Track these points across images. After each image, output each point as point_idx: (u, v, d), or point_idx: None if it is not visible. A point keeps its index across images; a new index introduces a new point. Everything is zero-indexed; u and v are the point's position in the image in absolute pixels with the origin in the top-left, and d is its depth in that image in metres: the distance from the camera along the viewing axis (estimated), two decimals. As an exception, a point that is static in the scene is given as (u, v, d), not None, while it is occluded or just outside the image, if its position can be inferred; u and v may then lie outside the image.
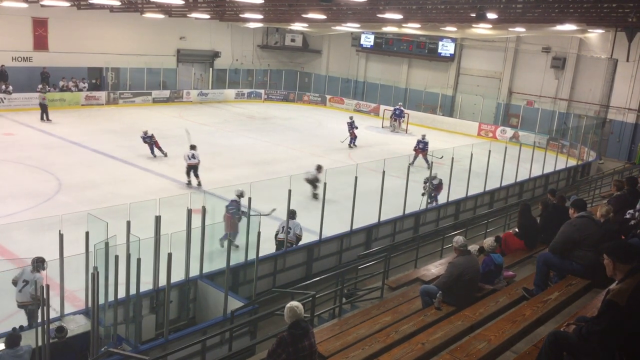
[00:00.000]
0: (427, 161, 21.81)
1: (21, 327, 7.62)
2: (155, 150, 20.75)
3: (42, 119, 25.40)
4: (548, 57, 30.24)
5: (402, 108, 30.98)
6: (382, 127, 31.43)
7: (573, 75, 29.61)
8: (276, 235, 12.18)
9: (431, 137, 29.35)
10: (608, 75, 28.31)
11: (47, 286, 6.88)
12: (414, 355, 5.85)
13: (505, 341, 5.81)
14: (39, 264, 8.62)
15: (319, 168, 16.80)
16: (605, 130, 28.46)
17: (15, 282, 8.65)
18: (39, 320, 7.08)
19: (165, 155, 20.76)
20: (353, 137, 25.73)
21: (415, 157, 22.29)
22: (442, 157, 16.89)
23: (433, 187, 15.95)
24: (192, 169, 17.39)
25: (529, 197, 18.98)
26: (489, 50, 32.61)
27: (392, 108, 32.14)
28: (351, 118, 26.23)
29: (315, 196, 16.39)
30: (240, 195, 12.50)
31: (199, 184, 17.39)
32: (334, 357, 6.27)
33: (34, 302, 8.24)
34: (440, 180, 16.30)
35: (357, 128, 25.76)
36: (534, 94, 31.08)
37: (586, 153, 24.94)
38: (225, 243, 11.24)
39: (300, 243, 12.33)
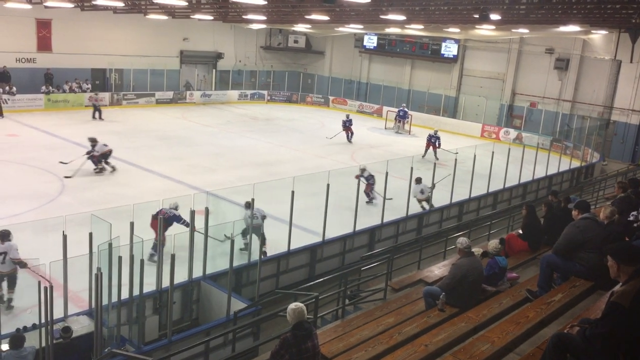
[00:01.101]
0: (436, 156, 22.76)
1: (25, 328, 7.63)
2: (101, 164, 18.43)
3: (94, 117, 26.89)
4: (551, 59, 30.19)
5: (406, 109, 30.97)
6: (385, 128, 31.40)
7: (576, 77, 29.55)
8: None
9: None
10: (612, 76, 28.25)
11: (51, 287, 6.90)
12: (417, 357, 5.85)
13: (508, 343, 5.81)
14: (4, 236, 9.66)
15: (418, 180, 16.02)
16: (609, 131, 28.40)
17: None
18: (43, 321, 7.09)
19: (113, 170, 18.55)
20: (350, 133, 26.33)
21: (426, 150, 23.48)
22: (457, 152, 16.96)
23: (371, 180, 16.19)
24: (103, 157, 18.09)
25: (533, 199, 18.95)
26: (492, 51, 32.57)
27: (395, 109, 32.15)
28: (347, 116, 26.93)
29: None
30: (175, 208, 12.05)
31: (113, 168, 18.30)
32: (337, 358, 6.27)
33: (19, 265, 9.52)
34: (372, 176, 16.40)
35: (351, 125, 26.46)
36: (537, 95, 31.04)
37: (590, 154, 24.90)
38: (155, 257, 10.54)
39: (304, 244, 12.34)
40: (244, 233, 12.03)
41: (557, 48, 29.84)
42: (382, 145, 26.67)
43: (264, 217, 12.31)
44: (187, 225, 10.99)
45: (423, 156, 23.18)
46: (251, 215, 11.47)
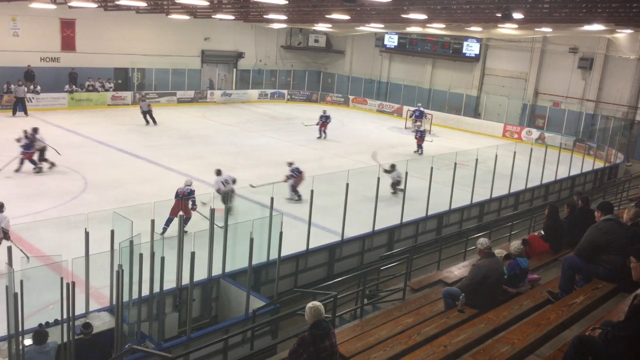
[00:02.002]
0: (421, 147, 24.61)
1: (47, 324, 7.74)
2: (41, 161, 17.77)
3: (147, 122, 26.23)
4: (575, 58, 29.78)
5: (422, 109, 30.78)
6: (405, 127, 31.26)
7: (601, 76, 29.11)
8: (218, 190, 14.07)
9: (455, 138, 29.31)
10: (637, 75, 27.80)
11: (73, 283, 6.99)
12: (436, 358, 5.82)
13: (529, 345, 5.75)
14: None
15: (392, 167, 17.09)
16: (634, 132, 27.94)
17: None
18: (65, 316, 7.19)
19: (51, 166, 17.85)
20: (323, 128, 26.24)
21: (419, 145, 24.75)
22: (431, 140, 17.34)
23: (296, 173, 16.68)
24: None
25: (555, 200, 18.73)
26: (515, 50, 32.23)
27: (413, 109, 32.18)
28: (324, 111, 26.80)
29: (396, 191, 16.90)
30: (190, 184, 13.50)
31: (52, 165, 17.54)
32: (355, 357, 6.26)
33: (5, 236, 10.75)
34: (298, 168, 16.66)
35: (328, 122, 26.41)
36: (560, 94, 30.65)
37: (613, 155, 24.53)
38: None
39: (323, 244, 12.35)
40: (223, 200, 13.58)
41: (581, 47, 29.43)
42: (402, 145, 26.55)
43: (234, 181, 14.30)
44: (194, 207, 12.92)
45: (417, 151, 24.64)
46: (224, 181, 13.87)
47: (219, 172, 14.62)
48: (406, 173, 13.55)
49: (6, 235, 10.82)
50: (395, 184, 16.90)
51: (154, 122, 26.30)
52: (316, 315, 5.27)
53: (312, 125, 26.55)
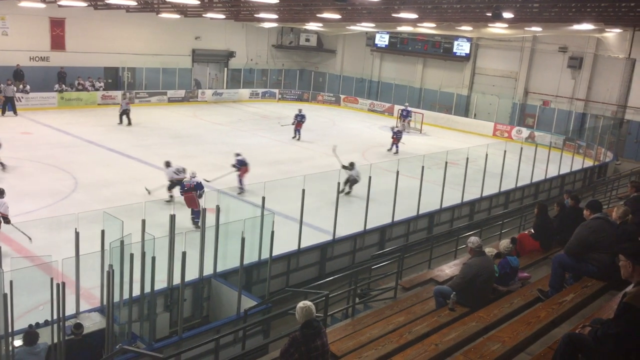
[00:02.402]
0: (397, 147, 24.89)
1: (37, 324, 7.70)
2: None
3: (120, 122, 25.63)
4: (565, 57, 29.94)
5: (409, 108, 30.85)
6: (396, 127, 31.25)
7: (590, 75, 29.29)
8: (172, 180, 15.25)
9: (446, 137, 29.40)
10: (626, 75, 27.98)
11: (63, 283, 6.95)
12: (427, 356, 5.83)
13: (519, 343, 5.78)
14: (1, 193, 11.93)
15: (351, 165, 17.16)
16: (623, 130, 28.14)
17: None
18: (55, 317, 7.15)
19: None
20: (298, 128, 25.91)
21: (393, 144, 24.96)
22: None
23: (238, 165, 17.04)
24: None
25: (545, 198, 18.83)
26: (505, 49, 32.37)
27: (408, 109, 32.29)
28: (300, 110, 26.42)
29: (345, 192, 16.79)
30: (194, 175, 14.29)
31: None
32: (346, 357, 6.27)
33: (4, 220, 11.77)
34: (243, 160, 16.99)
35: (303, 122, 26.00)
36: (550, 94, 30.81)
37: (603, 154, 24.70)
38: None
39: (314, 243, 12.35)
40: (169, 187, 15.29)
41: (571, 46, 29.60)
42: (393, 144, 26.56)
43: (184, 170, 15.26)
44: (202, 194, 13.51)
45: (390, 150, 24.92)
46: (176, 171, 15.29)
47: (168, 164, 15.70)
48: (397, 172, 13.56)
49: (5, 220, 11.85)
50: (352, 182, 16.87)
51: (129, 122, 25.65)
52: (307, 315, 5.28)
53: (288, 125, 26.34)
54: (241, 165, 16.80)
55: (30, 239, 11.91)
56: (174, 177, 15.37)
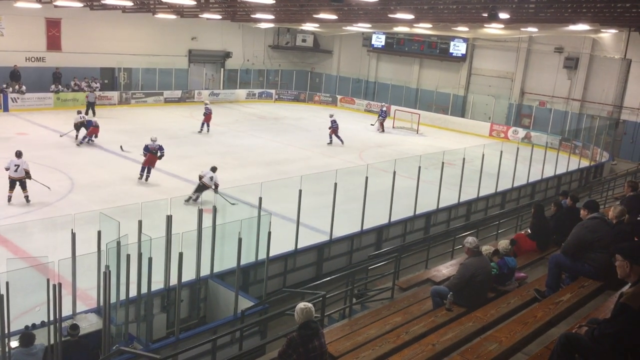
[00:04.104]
0: (339, 138, 25.30)
1: (34, 325, 7.68)
2: None
3: (86, 114, 25.19)
4: (561, 57, 30.03)
5: (383, 108, 30.87)
6: (393, 127, 31.33)
7: (586, 76, 29.37)
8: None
9: (443, 137, 29.44)
10: (621, 75, 28.07)
11: (60, 284, 6.94)
12: (424, 356, 5.84)
13: (516, 343, 5.79)
14: (20, 154, 14.71)
15: (213, 169, 16.21)
16: (618, 131, 28.23)
17: (7, 168, 14.53)
18: (51, 318, 7.14)
19: None
20: (332, 135, 25.38)
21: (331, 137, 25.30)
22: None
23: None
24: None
25: (541, 198, 18.86)
26: (501, 50, 32.44)
27: (404, 108, 32.43)
28: (331, 116, 26.09)
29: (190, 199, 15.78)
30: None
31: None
32: (344, 357, 6.27)
33: (27, 175, 14.60)
34: (157, 145, 17.82)
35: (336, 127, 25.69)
36: (546, 94, 30.88)
37: (599, 154, 24.76)
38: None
39: (311, 243, 12.34)
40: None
41: (567, 47, 29.68)
42: (390, 144, 26.63)
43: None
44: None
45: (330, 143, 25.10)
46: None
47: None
48: (394, 173, 13.57)
49: (28, 175, 14.63)
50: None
51: (93, 114, 25.61)
52: (306, 317, 5.27)
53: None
54: (145, 152, 17.76)
55: (49, 188, 14.98)
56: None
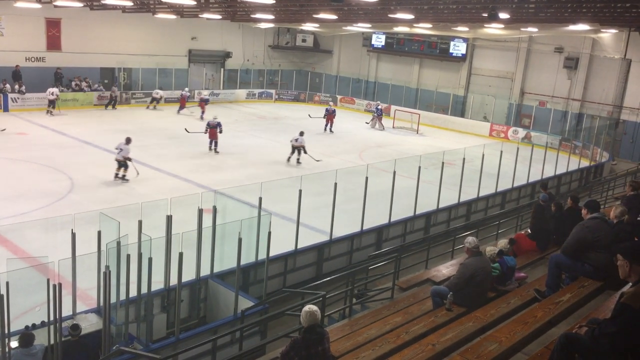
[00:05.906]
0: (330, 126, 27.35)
1: (34, 325, 7.68)
2: None
3: (48, 111, 26.47)
4: (561, 57, 30.02)
5: (378, 107, 31.07)
6: (393, 127, 31.34)
7: (586, 76, 29.36)
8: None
9: (443, 137, 29.44)
10: (621, 75, 28.07)
11: (60, 284, 6.93)
12: (424, 356, 5.84)
13: (516, 343, 5.79)
14: (128, 140, 17.55)
15: (301, 134, 20.76)
16: (619, 131, 28.22)
17: (116, 149, 17.22)
18: (52, 318, 7.13)
19: None
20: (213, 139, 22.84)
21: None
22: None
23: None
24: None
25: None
26: (501, 50, 32.43)
27: (404, 109, 32.45)
28: (330, 104, 28.05)
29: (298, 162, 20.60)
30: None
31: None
32: (344, 357, 6.27)
33: (127, 159, 17.12)
34: (217, 122, 21.75)
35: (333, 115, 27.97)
36: (546, 94, 30.88)
37: (599, 154, 24.76)
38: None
39: (311, 243, 12.34)
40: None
41: (567, 47, 29.67)
42: (390, 144, 26.63)
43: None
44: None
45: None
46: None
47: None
48: (394, 173, 13.57)
49: (128, 159, 16.97)
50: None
51: (52, 111, 26.50)
52: (312, 320, 5.19)
53: (197, 133, 23.39)
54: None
55: (138, 173, 17.36)
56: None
